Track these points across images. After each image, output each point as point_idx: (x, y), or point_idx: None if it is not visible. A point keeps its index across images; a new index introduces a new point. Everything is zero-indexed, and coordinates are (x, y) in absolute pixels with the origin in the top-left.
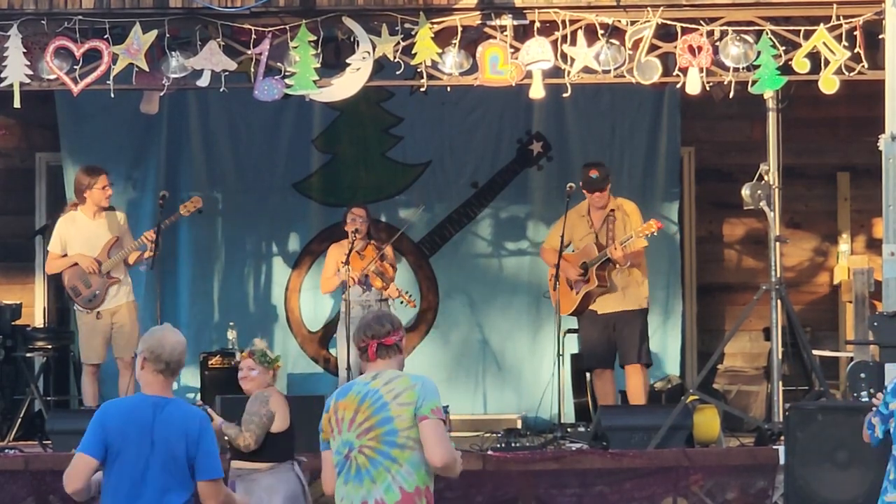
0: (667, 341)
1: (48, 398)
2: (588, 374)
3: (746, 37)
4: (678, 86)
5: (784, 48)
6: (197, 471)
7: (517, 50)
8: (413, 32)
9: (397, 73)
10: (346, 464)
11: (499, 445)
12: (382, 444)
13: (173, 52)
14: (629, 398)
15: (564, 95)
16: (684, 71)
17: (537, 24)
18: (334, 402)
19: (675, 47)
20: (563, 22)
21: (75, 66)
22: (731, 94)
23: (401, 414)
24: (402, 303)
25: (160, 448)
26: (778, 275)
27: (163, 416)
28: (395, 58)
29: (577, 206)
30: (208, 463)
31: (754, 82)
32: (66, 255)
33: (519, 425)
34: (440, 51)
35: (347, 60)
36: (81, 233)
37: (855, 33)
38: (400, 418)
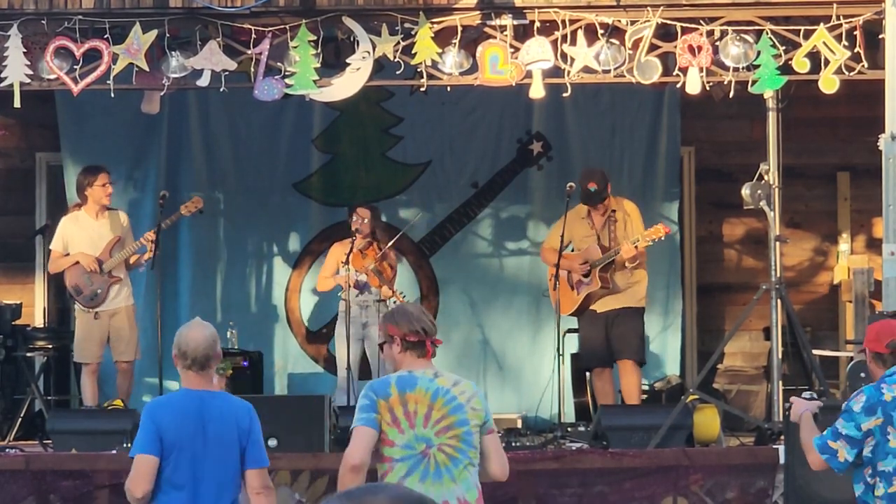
0: (667, 341)
1: (48, 398)
2: (588, 374)
3: (746, 37)
4: (678, 86)
5: (784, 48)
6: (247, 459)
7: (517, 50)
8: (413, 32)
9: (397, 73)
10: (423, 461)
11: None
12: (462, 444)
13: (173, 52)
14: (623, 396)
15: (564, 95)
16: (684, 71)
17: (537, 24)
18: (399, 392)
19: (675, 47)
20: (563, 22)
21: (75, 66)
22: (731, 94)
23: (473, 419)
24: (394, 302)
25: (214, 441)
26: (778, 275)
27: (212, 410)
28: (395, 58)
29: (577, 208)
30: (257, 452)
31: (754, 82)
32: (68, 255)
33: (519, 425)
34: (440, 51)
35: (347, 60)
36: (84, 232)
37: (855, 33)
38: (473, 423)
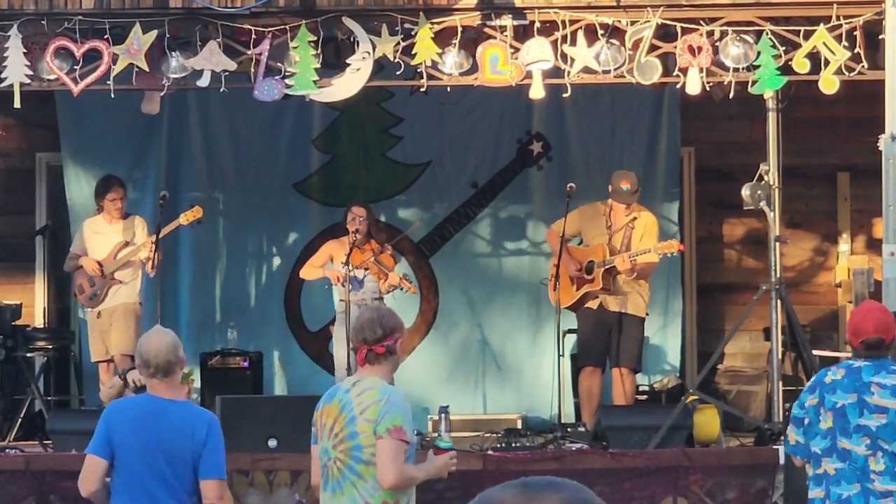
0: (667, 341)
1: (48, 398)
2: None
3: (746, 37)
4: (678, 86)
5: (784, 48)
6: (200, 469)
7: (517, 50)
8: (413, 32)
9: (397, 73)
10: (326, 472)
11: (499, 445)
12: (350, 459)
13: (173, 53)
14: (614, 402)
15: (564, 95)
16: (684, 71)
17: (537, 24)
18: (322, 405)
19: (675, 47)
20: (563, 22)
21: (75, 67)
22: (731, 94)
23: (365, 430)
24: (402, 290)
25: (165, 449)
26: (778, 275)
27: (168, 417)
28: (395, 58)
29: (597, 204)
30: (212, 463)
31: (754, 82)
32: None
33: (519, 425)
34: (440, 51)
35: (347, 60)
36: (99, 236)
37: (855, 33)
38: (364, 434)
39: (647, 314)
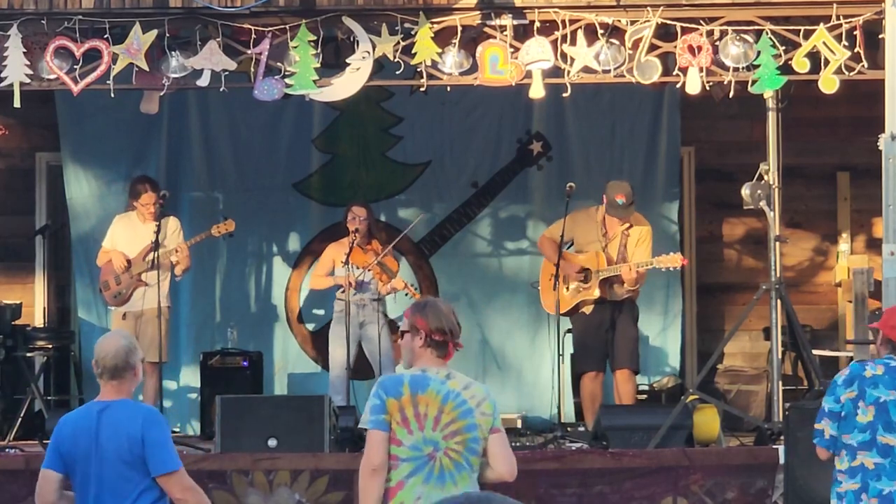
0: (667, 341)
1: (48, 398)
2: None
3: (746, 36)
4: (678, 86)
5: (784, 48)
6: (150, 467)
7: (517, 50)
8: (413, 32)
9: (397, 72)
10: (429, 463)
11: None
12: (466, 451)
13: (173, 52)
14: (618, 403)
15: (564, 95)
16: (684, 71)
17: (537, 24)
18: (411, 393)
19: (675, 47)
20: (563, 22)
21: (75, 66)
22: (731, 94)
23: (482, 424)
24: (406, 295)
25: (108, 453)
26: (778, 275)
27: (105, 420)
28: (395, 58)
29: (590, 209)
30: (159, 457)
31: (754, 82)
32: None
33: (519, 425)
34: (440, 51)
35: (347, 60)
36: (130, 233)
37: (855, 33)
38: (482, 428)
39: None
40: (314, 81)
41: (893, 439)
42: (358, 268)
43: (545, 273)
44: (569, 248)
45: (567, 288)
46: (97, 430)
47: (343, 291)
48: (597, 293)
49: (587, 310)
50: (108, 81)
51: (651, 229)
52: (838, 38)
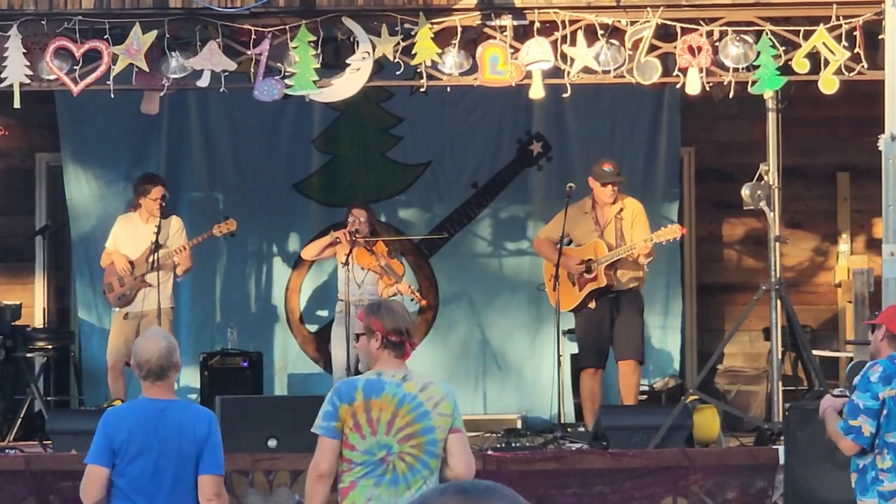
0: (667, 341)
1: (48, 398)
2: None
3: (746, 37)
4: (678, 86)
5: (784, 48)
6: (200, 465)
7: (517, 50)
8: (413, 32)
9: (397, 73)
10: (382, 466)
11: (499, 445)
12: (423, 453)
13: (173, 53)
14: (623, 395)
15: (564, 96)
16: (684, 71)
17: (537, 25)
18: (364, 399)
19: (675, 47)
20: (563, 22)
21: (75, 67)
22: (731, 94)
23: (440, 425)
24: (411, 300)
25: (169, 451)
26: (778, 275)
27: (169, 419)
28: (395, 58)
29: (580, 202)
30: (212, 458)
31: (754, 82)
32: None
33: (519, 425)
34: (440, 51)
35: (347, 60)
36: (132, 233)
37: (855, 33)
38: (440, 429)
39: (642, 286)
40: (314, 82)
41: None
42: (362, 268)
43: (548, 274)
44: (567, 244)
45: (573, 283)
46: (159, 427)
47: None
48: (604, 281)
49: (592, 304)
50: (108, 82)
51: (642, 207)
52: (838, 38)
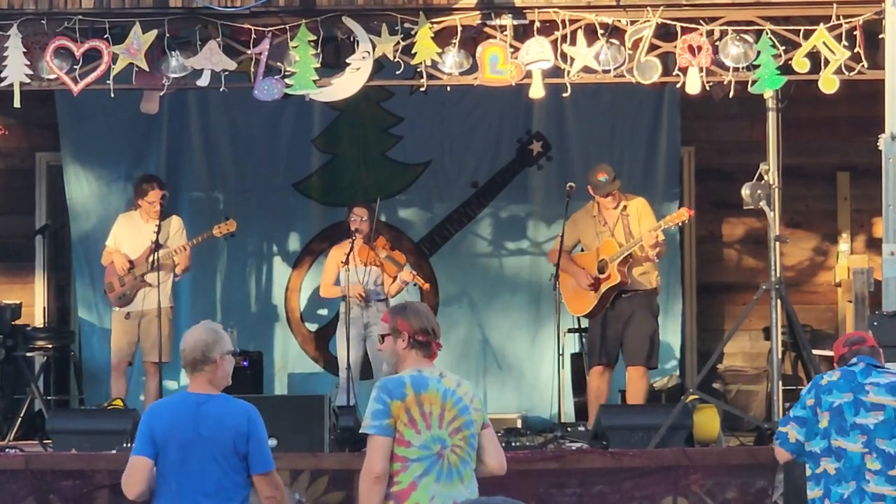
0: (667, 341)
1: (48, 398)
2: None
3: (746, 36)
4: (678, 86)
5: (784, 48)
6: (251, 464)
7: (517, 50)
8: (413, 32)
9: (397, 72)
10: (439, 461)
11: None
12: (468, 447)
13: (173, 52)
14: (629, 399)
15: (564, 95)
16: (684, 71)
17: (537, 24)
18: (415, 393)
19: (675, 47)
20: (563, 22)
21: (75, 66)
22: (731, 94)
23: (477, 420)
24: (414, 285)
25: (208, 445)
26: (778, 274)
27: (208, 413)
28: (395, 57)
29: (586, 207)
30: (260, 456)
31: (754, 82)
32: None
33: (519, 425)
34: (440, 50)
35: (347, 60)
36: (132, 232)
37: (855, 33)
38: (477, 423)
39: (658, 311)
40: (314, 81)
41: (846, 442)
42: (364, 265)
43: (564, 282)
44: (580, 250)
45: (591, 290)
46: (199, 421)
47: (345, 297)
48: (617, 278)
49: (609, 306)
50: (108, 81)
51: (645, 201)
52: (838, 38)
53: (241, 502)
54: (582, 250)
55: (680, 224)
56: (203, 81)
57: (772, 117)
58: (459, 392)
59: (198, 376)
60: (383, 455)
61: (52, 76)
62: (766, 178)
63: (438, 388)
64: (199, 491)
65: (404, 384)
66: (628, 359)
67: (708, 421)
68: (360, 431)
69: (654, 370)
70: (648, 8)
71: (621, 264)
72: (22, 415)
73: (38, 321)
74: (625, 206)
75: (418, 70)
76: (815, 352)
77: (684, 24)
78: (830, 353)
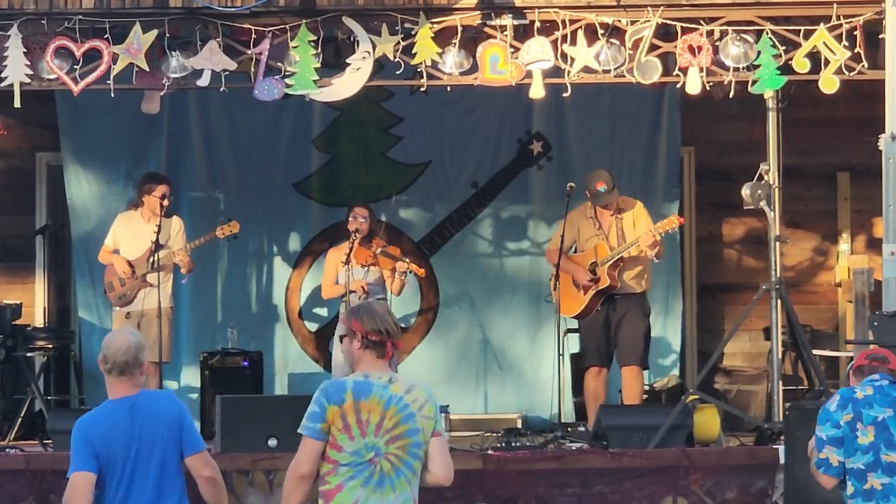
0: (667, 341)
1: (48, 398)
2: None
3: (746, 36)
4: (678, 86)
5: (784, 48)
6: (184, 448)
7: (517, 50)
8: (413, 32)
9: (397, 72)
10: (369, 468)
11: (499, 445)
12: (408, 455)
13: (173, 52)
14: (625, 399)
15: (564, 95)
16: (684, 71)
17: (537, 24)
18: (354, 400)
19: (675, 47)
20: (563, 22)
21: (75, 66)
22: (731, 94)
23: (424, 427)
24: (412, 273)
25: (151, 442)
26: (778, 275)
27: (139, 412)
28: (395, 58)
29: (582, 207)
30: (191, 437)
31: (754, 82)
32: (116, 251)
33: (519, 425)
34: (440, 51)
35: (347, 60)
36: (132, 232)
37: (855, 33)
38: (423, 432)
39: (650, 310)
40: (314, 81)
41: None
42: (363, 266)
43: (561, 283)
44: (575, 251)
45: (577, 288)
46: (133, 423)
47: (345, 295)
48: (607, 281)
49: (598, 308)
50: (108, 81)
51: (642, 205)
52: (838, 38)
53: (182, 489)
54: (576, 251)
55: (671, 231)
56: (203, 81)
57: (772, 117)
58: (407, 399)
59: (125, 380)
60: (312, 457)
61: (52, 76)
62: (766, 178)
63: (382, 395)
64: (153, 489)
65: (345, 389)
66: (622, 359)
67: (708, 421)
68: (298, 430)
69: (651, 369)
70: (649, 8)
71: (612, 268)
72: (22, 415)
73: (39, 321)
74: (620, 210)
75: (418, 70)
76: (815, 352)
77: (684, 24)
78: (830, 354)
